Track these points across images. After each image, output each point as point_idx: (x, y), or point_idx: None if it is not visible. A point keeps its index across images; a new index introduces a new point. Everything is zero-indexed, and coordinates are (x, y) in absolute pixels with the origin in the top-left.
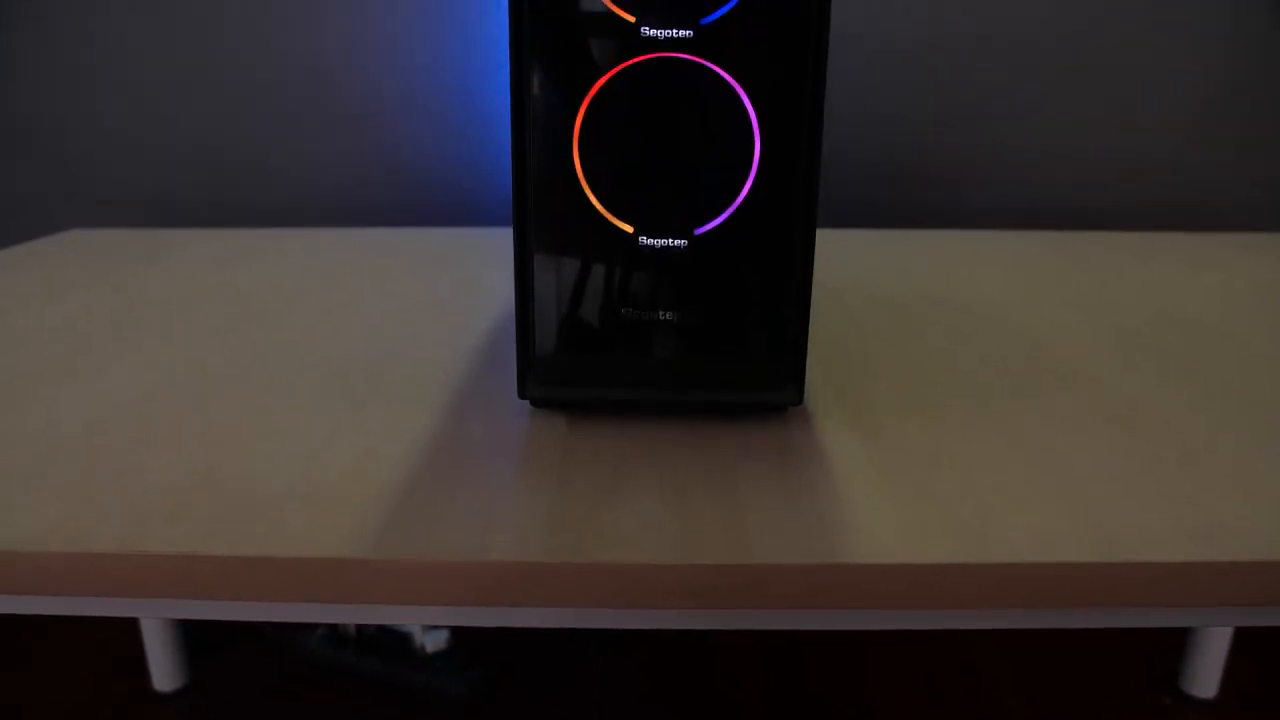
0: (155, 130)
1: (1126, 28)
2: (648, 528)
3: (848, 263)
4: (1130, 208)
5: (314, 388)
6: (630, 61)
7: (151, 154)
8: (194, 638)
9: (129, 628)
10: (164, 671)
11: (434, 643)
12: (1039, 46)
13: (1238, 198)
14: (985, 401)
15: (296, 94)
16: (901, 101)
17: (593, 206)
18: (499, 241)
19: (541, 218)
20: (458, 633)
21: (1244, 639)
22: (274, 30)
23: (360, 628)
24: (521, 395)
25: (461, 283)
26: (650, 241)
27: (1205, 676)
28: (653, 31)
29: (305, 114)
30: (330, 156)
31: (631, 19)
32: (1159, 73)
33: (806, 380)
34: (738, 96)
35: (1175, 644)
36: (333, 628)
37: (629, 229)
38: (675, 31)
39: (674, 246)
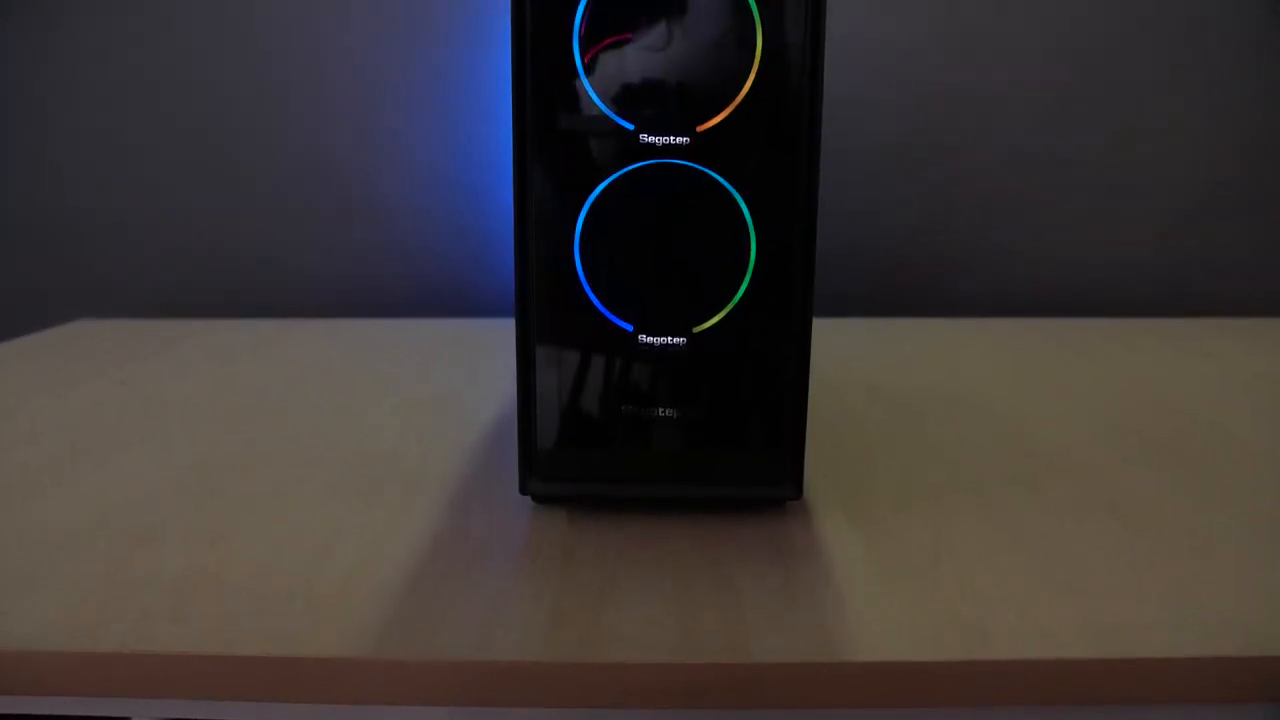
0: (164, 222)
1: (1116, 122)
2: (648, 626)
3: (845, 353)
4: (1124, 296)
5: (317, 483)
6: (629, 167)
7: (161, 245)
8: None
9: None
10: None
11: None
12: (1030, 140)
13: (1231, 286)
14: (982, 494)
15: (303, 188)
16: (896, 196)
17: (593, 305)
18: (500, 332)
19: (543, 317)
20: None
21: None
22: (282, 126)
23: None
24: (523, 491)
25: (463, 375)
26: (650, 339)
27: None
28: (651, 138)
29: (311, 207)
30: (336, 248)
31: (630, 126)
32: (1149, 163)
33: (805, 474)
34: (733, 199)
35: None
36: None
37: (629, 327)
38: (672, 138)
39: (673, 344)
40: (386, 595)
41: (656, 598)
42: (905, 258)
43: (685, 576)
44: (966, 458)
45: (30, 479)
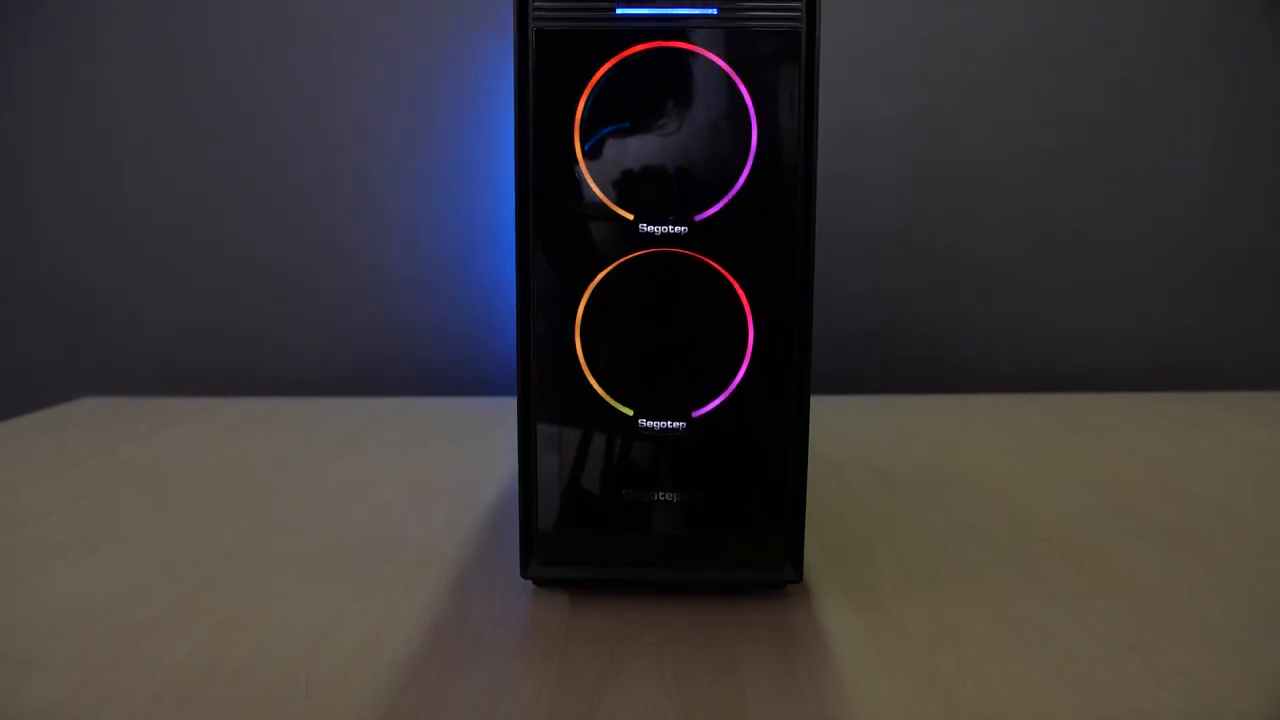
0: (168, 300)
1: (1111, 195)
2: (648, 715)
3: (843, 431)
4: (1121, 370)
5: (318, 566)
6: (629, 256)
7: (164, 323)
8: None
9: None
10: None
11: None
12: (1025, 215)
13: (1226, 359)
14: (983, 575)
15: (307, 267)
16: (892, 273)
17: (594, 391)
18: (500, 410)
19: (545, 402)
20: None
21: None
22: (286, 205)
23: None
24: (524, 575)
25: (464, 455)
26: (650, 423)
27: None
28: (650, 228)
29: (315, 286)
30: (339, 328)
31: (630, 216)
32: (1146, 236)
33: (805, 557)
34: (731, 286)
35: None
36: None
37: (629, 412)
38: (671, 228)
39: (673, 428)
40: (386, 682)
41: (656, 684)
42: (902, 334)
43: (686, 662)
44: (966, 538)
45: (33, 560)
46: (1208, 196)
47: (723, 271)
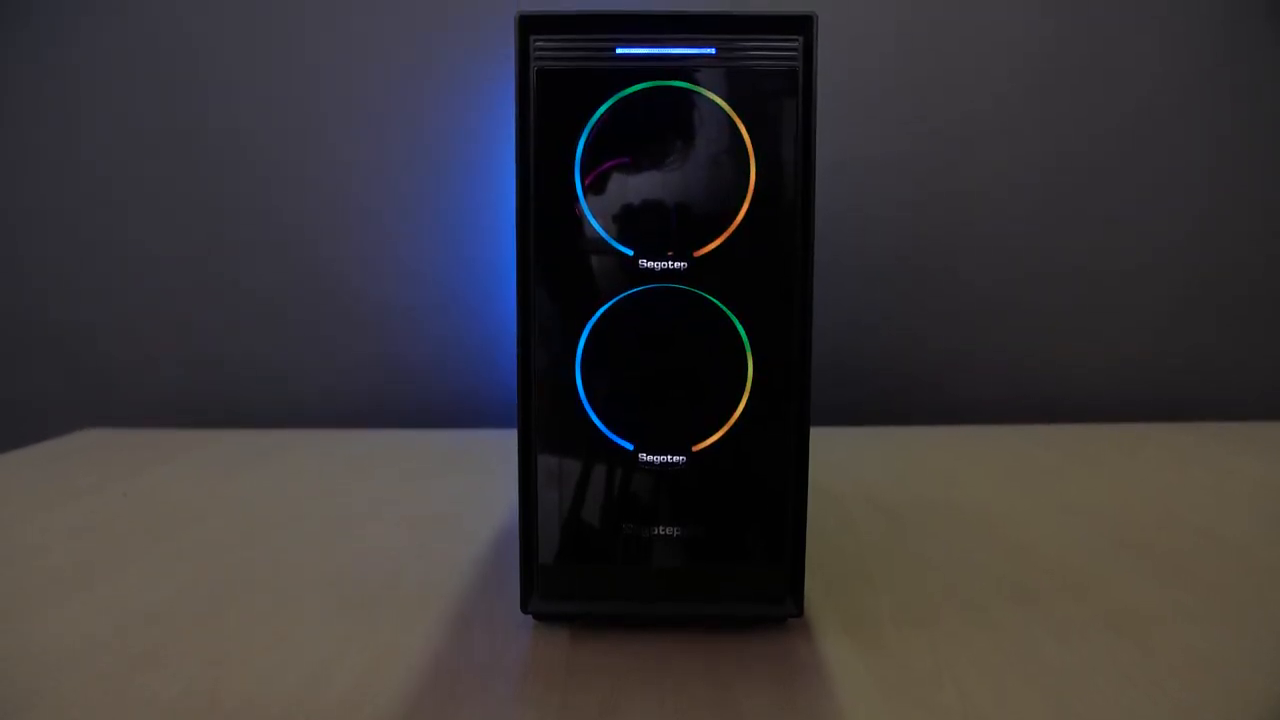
0: (168, 333)
1: (1112, 226)
2: None
3: (843, 463)
4: (1122, 401)
5: (317, 600)
6: (629, 291)
7: (164, 356)
8: None
9: None
10: None
11: None
12: (1024, 246)
13: (1229, 390)
14: (984, 610)
15: (308, 300)
16: (891, 305)
17: (595, 425)
18: (501, 443)
19: (545, 438)
20: None
21: None
22: (288, 241)
23: None
24: (524, 610)
25: (465, 488)
26: (650, 458)
27: None
28: (650, 263)
29: (316, 320)
30: (340, 361)
31: (630, 252)
32: (1145, 266)
33: (806, 591)
34: (730, 321)
35: None
36: None
37: (630, 446)
38: (671, 263)
39: (673, 463)
40: (387, 717)
41: None
42: (902, 366)
43: (687, 699)
44: (967, 572)
45: (30, 594)
46: (1208, 227)
47: (722, 306)
